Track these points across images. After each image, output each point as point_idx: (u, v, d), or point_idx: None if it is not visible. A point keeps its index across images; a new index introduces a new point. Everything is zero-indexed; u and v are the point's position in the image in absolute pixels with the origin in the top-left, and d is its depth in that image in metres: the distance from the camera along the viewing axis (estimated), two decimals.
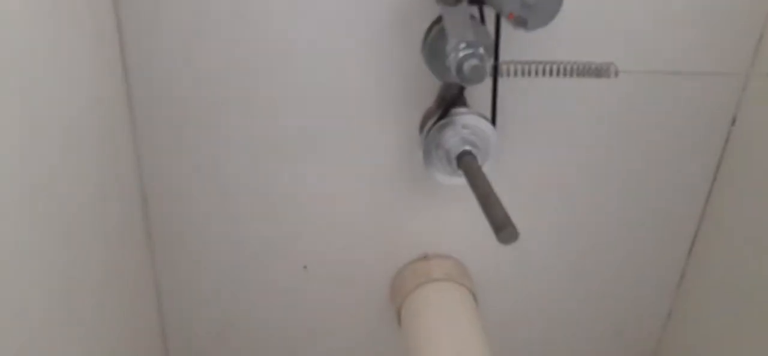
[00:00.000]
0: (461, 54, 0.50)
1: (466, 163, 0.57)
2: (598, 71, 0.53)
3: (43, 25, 0.45)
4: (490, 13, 0.55)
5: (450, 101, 0.60)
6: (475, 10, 0.55)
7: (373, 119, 0.64)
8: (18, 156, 0.41)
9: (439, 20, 0.56)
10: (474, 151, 0.58)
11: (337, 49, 0.60)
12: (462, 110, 0.60)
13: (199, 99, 0.62)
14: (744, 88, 0.65)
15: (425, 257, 0.73)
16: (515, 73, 0.53)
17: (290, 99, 0.62)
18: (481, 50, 0.50)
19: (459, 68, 0.50)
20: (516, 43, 0.57)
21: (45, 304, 0.46)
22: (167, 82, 0.60)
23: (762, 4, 0.61)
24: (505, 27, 0.55)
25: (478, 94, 0.61)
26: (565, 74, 0.53)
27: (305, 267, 0.72)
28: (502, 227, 0.47)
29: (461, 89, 0.59)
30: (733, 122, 0.66)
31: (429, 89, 0.62)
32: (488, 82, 0.59)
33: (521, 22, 0.44)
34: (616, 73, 0.54)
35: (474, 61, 0.49)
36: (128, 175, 0.63)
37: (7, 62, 0.40)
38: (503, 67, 0.53)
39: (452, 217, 0.71)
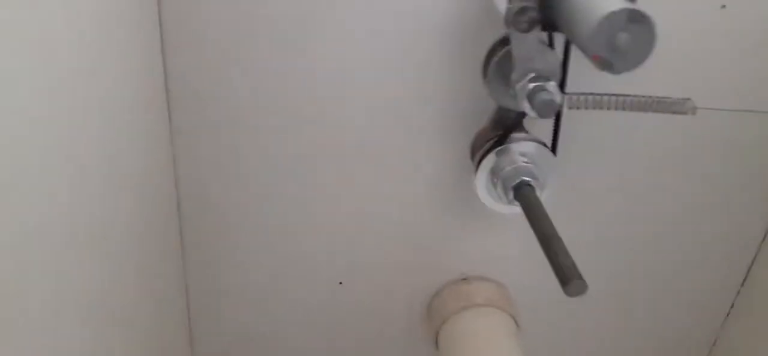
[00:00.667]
0: (531, 86, 0.47)
1: (525, 196, 0.53)
2: (676, 108, 0.49)
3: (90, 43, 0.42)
4: (559, 37, 0.51)
5: (510, 126, 0.56)
6: (544, 34, 0.50)
7: (421, 137, 0.61)
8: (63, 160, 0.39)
9: (502, 41, 0.52)
10: (532, 182, 0.55)
11: (389, 61, 0.56)
12: (521, 135, 0.56)
13: (241, 106, 0.58)
14: None
15: (465, 280, 0.70)
16: (586, 106, 0.49)
17: (336, 111, 0.59)
18: (552, 85, 0.46)
19: (530, 100, 0.46)
20: (585, 73, 0.53)
21: (80, 310, 0.43)
22: (208, 88, 0.57)
23: None
24: (575, 53, 0.51)
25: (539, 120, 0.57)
26: (639, 109, 0.49)
27: (341, 283, 0.70)
28: (570, 280, 0.44)
29: (522, 115, 0.55)
30: None
31: (483, 109, 0.58)
32: None
33: (607, 66, 0.39)
34: (694, 111, 0.49)
35: (547, 96, 0.45)
36: (164, 179, 0.60)
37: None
38: (572, 99, 0.49)
39: (496, 240, 0.68)
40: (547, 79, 0.47)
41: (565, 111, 0.53)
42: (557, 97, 0.46)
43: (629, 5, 0.37)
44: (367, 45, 0.55)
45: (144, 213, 0.55)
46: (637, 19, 0.38)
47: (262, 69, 0.56)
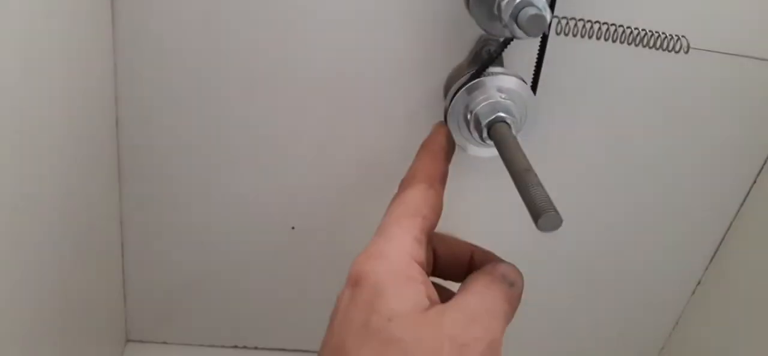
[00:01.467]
0: (518, 0, 0.42)
1: (500, 133, 0.49)
2: (668, 44, 0.45)
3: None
4: None
5: (487, 60, 0.52)
6: None
7: (389, 71, 0.56)
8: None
9: None
10: (508, 119, 0.50)
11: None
12: (498, 70, 0.52)
13: (191, 28, 0.52)
14: None
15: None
16: (574, 33, 0.45)
17: (295, 35, 0.53)
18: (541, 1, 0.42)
19: (514, 16, 0.41)
20: (570, 2, 0.49)
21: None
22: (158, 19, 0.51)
23: None
24: None
25: (517, 55, 0.53)
26: (630, 42, 0.45)
27: (293, 228, 0.64)
28: (543, 211, 0.39)
29: (503, 46, 0.51)
30: None
31: (466, 42, 0.54)
32: (531, 45, 0.51)
33: None
34: (688, 49, 0.46)
35: (534, 10, 0.41)
36: (103, 93, 0.54)
37: None
38: (562, 23, 0.45)
39: (465, 192, 0.63)
40: None
41: (550, 41, 0.48)
42: (546, 12, 0.41)
43: None
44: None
45: (79, 125, 0.49)
46: None
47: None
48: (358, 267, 0.33)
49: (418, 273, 0.34)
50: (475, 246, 0.43)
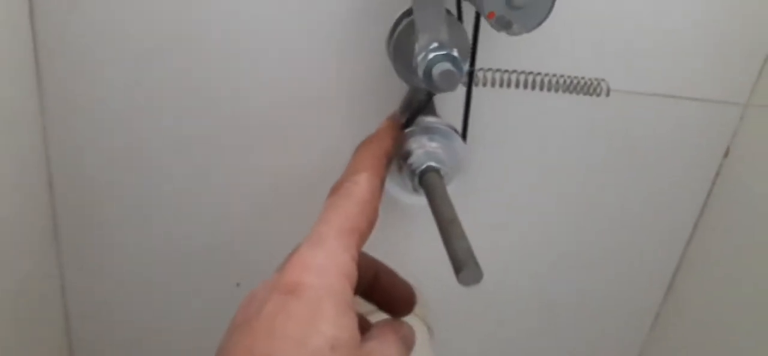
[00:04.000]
0: (431, 55, 0.42)
1: (430, 181, 0.49)
2: (588, 88, 0.46)
3: None
4: (468, 11, 0.47)
5: (416, 108, 0.52)
6: (452, 4, 0.46)
7: (326, 119, 0.56)
8: None
9: (409, 13, 0.48)
10: (440, 168, 0.50)
11: (288, 37, 0.52)
12: (430, 119, 0.52)
13: (121, 74, 0.52)
14: (741, 118, 0.58)
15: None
16: (492, 84, 0.45)
17: (232, 84, 0.53)
18: (455, 53, 0.43)
19: (427, 72, 0.42)
20: (496, 49, 0.50)
21: None
22: (79, 55, 0.51)
23: (765, 34, 0.55)
24: (485, 29, 0.47)
25: (450, 102, 0.53)
26: (550, 88, 0.46)
27: (238, 285, 0.63)
28: (464, 265, 0.39)
29: (430, 96, 0.51)
30: (726, 153, 0.60)
31: (397, 92, 0.54)
32: (461, 93, 0.51)
33: (504, 24, 0.36)
34: (608, 92, 0.46)
35: (446, 65, 0.41)
36: (35, 155, 0.53)
37: None
38: (479, 75, 0.45)
39: (411, 236, 0.63)
40: (450, 50, 0.43)
41: (474, 91, 0.49)
42: (459, 66, 0.41)
43: None
44: (268, 28, 0.50)
45: (12, 192, 0.48)
46: None
47: (140, 33, 0.50)
48: (296, 275, 0.31)
49: (352, 300, 0.33)
50: (381, 264, 0.42)
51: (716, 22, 0.52)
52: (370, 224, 0.37)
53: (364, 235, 0.36)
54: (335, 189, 0.39)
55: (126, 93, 0.52)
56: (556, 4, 0.37)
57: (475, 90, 0.49)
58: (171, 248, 0.60)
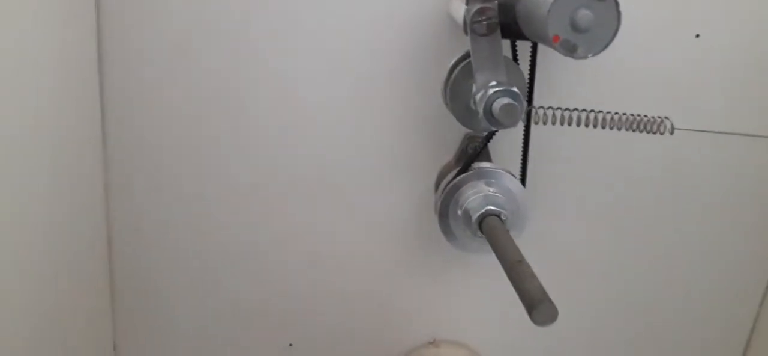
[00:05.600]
0: (491, 92, 0.42)
1: (491, 226, 0.47)
2: (652, 126, 0.45)
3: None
4: (524, 53, 0.48)
5: (472, 155, 0.51)
6: (507, 45, 0.47)
7: (383, 172, 0.56)
8: None
9: (465, 57, 0.49)
10: (499, 212, 0.49)
11: (345, 85, 0.53)
12: (486, 164, 0.52)
13: (181, 133, 0.53)
14: None
15: (434, 343, 0.62)
16: (553, 122, 0.45)
17: (286, 140, 0.54)
18: (515, 89, 0.43)
19: (488, 109, 0.42)
20: (553, 91, 0.50)
21: None
22: (146, 116, 0.53)
23: None
24: (542, 69, 0.47)
25: (506, 150, 0.53)
26: (612, 127, 0.45)
27: (291, 345, 0.61)
28: (538, 303, 0.37)
29: (486, 140, 0.51)
30: None
31: (453, 140, 0.54)
32: (517, 139, 0.51)
33: (570, 48, 0.36)
34: (672, 130, 0.45)
35: (506, 100, 0.41)
36: (95, 211, 0.54)
37: None
38: (539, 113, 0.45)
39: (468, 296, 0.60)
40: (510, 86, 0.43)
41: (532, 133, 0.48)
42: (520, 100, 0.41)
43: None
44: (324, 76, 0.52)
45: (72, 245, 0.49)
46: None
47: (199, 94, 0.52)
48: None
49: None
50: None
51: None
52: None
53: None
54: None
55: (185, 147, 0.54)
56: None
57: (532, 133, 0.48)
58: (226, 306, 0.59)
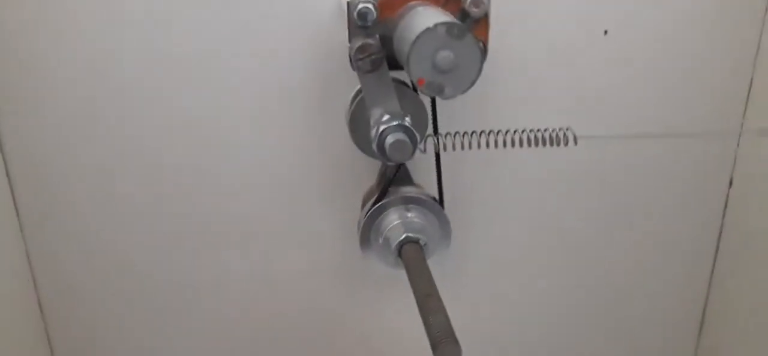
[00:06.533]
0: (383, 128, 0.42)
1: (408, 254, 0.47)
2: (555, 140, 0.45)
3: None
4: None
5: (388, 179, 0.51)
6: (403, 74, 0.46)
7: (306, 206, 0.55)
8: None
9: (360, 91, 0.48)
10: (420, 239, 0.49)
11: (256, 126, 0.52)
12: (406, 189, 0.51)
13: (96, 189, 0.53)
14: (737, 146, 0.56)
15: None
16: (454, 147, 0.44)
17: (202, 187, 0.54)
18: (407, 122, 0.42)
19: (380, 145, 0.41)
20: (459, 113, 0.49)
21: None
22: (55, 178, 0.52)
23: (746, 58, 0.53)
24: None
25: (425, 168, 0.52)
26: (513, 145, 0.44)
27: None
28: (439, 342, 0.37)
29: (399, 165, 0.50)
30: (730, 183, 0.57)
31: (373, 165, 0.54)
32: (432, 158, 0.51)
33: (436, 89, 0.35)
34: (576, 141, 0.45)
35: (398, 135, 0.41)
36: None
37: None
38: (444, 140, 0.44)
39: (407, 320, 0.61)
40: (402, 119, 0.42)
41: (451, 156, 0.48)
42: (411, 135, 0.41)
43: (446, 19, 0.34)
44: (224, 97, 0.51)
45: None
46: (456, 34, 0.34)
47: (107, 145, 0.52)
48: None
49: None
50: None
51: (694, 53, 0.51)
52: None
53: None
54: None
55: (98, 201, 0.53)
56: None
57: (451, 155, 0.47)
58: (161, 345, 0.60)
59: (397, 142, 0.40)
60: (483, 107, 0.51)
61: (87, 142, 0.51)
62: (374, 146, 0.41)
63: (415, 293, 0.43)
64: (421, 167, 0.52)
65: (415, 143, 0.41)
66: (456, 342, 0.37)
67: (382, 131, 0.41)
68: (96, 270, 0.56)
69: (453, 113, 0.48)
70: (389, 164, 0.48)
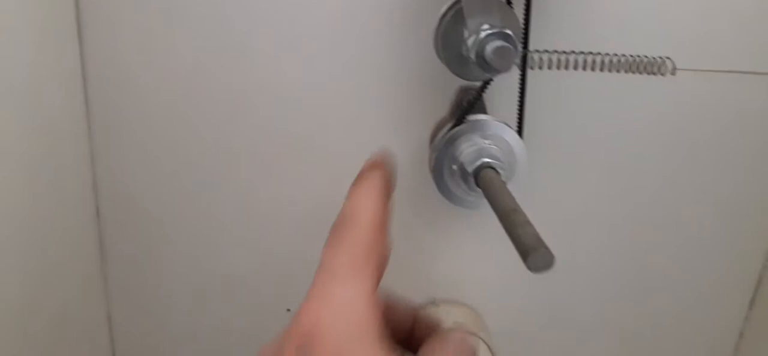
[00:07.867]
0: (483, 35, 0.41)
1: (487, 178, 0.46)
2: (652, 67, 0.43)
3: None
4: None
5: (466, 106, 0.50)
6: None
7: (377, 130, 0.54)
8: None
9: (456, 3, 0.47)
10: (495, 165, 0.47)
11: (332, 41, 0.51)
12: (481, 116, 0.50)
13: (164, 99, 0.52)
14: None
15: (433, 303, 0.61)
16: (549, 66, 0.43)
17: (273, 100, 0.52)
18: (508, 31, 0.41)
19: (480, 53, 0.40)
20: (548, 35, 0.47)
21: None
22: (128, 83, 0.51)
23: None
24: (538, 12, 0.45)
25: (501, 102, 0.51)
26: (610, 69, 0.43)
27: (289, 311, 0.60)
28: (533, 249, 0.36)
29: (480, 91, 0.49)
30: None
31: (448, 94, 0.52)
32: (513, 88, 0.49)
33: None
34: (674, 71, 0.43)
35: (499, 42, 0.39)
36: (81, 180, 0.53)
37: None
38: (534, 57, 0.43)
39: (467, 255, 0.59)
40: (503, 28, 0.41)
41: (529, 81, 0.46)
42: (514, 42, 0.39)
43: None
44: (311, 35, 0.50)
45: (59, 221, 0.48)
46: None
47: (181, 55, 0.51)
48: (312, 318, 0.25)
49: (383, 335, 0.26)
50: (419, 310, 0.35)
51: None
52: (384, 253, 0.31)
53: (379, 264, 0.30)
54: (337, 222, 0.32)
55: (170, 112, 0.52)
56: None
57: (529, 82, 0.46)
58: (220, 272, 0.58)
59: (500, 48, 0.38)
60: (571, 32, 0.49)
61: (167, 56, 0.50)
62: (473, 55, 0.40)
63: (497, 212, 0.41)
64: (499, 96, 0.50)
65: (516, 52, 0.39)
66: (548, 248, 0.36)
67: (483, 38, 0.40)
68: (157, 185, 0.55)
69: (543, 34, 0.46)
70: (486, 75, 0.46)
